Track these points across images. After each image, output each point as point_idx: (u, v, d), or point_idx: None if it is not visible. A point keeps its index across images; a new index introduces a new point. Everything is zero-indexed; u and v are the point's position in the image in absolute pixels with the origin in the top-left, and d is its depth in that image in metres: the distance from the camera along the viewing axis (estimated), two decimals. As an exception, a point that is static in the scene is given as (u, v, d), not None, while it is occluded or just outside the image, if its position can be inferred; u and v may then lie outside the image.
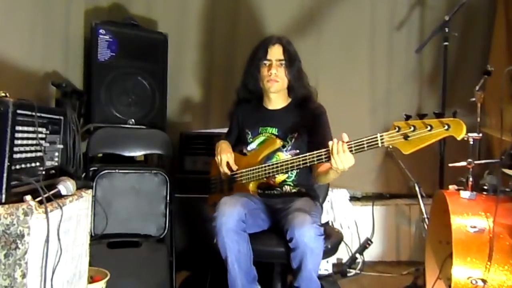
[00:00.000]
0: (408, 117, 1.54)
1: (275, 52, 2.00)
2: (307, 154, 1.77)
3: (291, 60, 2.01)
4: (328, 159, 1.68)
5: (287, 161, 1.84)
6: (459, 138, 1.47)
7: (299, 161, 1.79)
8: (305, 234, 1.66)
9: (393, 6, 3.23)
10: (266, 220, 1.95)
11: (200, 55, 3.16)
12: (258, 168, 1.94)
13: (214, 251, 1.80)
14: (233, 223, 1.71)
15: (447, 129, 1.46)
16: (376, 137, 1.58)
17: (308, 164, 1.77)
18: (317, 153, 1.73)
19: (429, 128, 1.48)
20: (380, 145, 1.57)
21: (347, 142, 1.63)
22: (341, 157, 1.62)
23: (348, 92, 3.19)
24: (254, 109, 2.13)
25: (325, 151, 1.70)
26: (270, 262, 1.96)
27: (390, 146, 1.60)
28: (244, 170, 2.00)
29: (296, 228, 1.67)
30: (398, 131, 1.53)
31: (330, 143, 1.65)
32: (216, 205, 1.79)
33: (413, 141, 1.51)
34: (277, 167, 1.87)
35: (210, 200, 2.20)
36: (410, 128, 1.50)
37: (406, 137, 1.51)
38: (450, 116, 1.52)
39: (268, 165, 1.91)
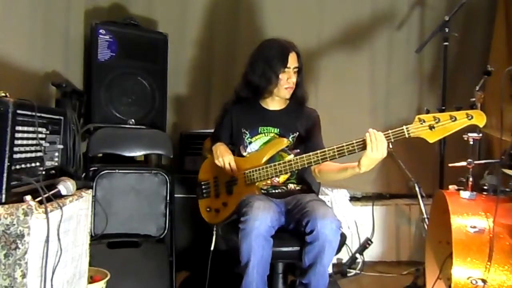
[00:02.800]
0: (427, 111, 1.69)
1: (293, 60, 2.01)
2: (333, 147, 1.78)
3: (302, 67, 2.06)
4: (350, 153, 1.74)
5: (304, 157, 1.84)
6: (481, 126, 1.67)
7: (323, 155, 1.80)
8: (327, 226, 1.67)
9: (393, 6, 3.23)
10: (280, 222, 1.93)
11: (200, 55, 3.16)
12: (267, 167, 1.93)
13: (212, 252, 1.79)
14: (264, 228, 1.70)
15: (470, 119, 1.64)
16: (402, 129, 1.69)
17: (336, 157, 1.78)
18: (347, 144, 1.75)
19: (453, 119, 1.63)
20: (406, 135, 1.68)
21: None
22: (378, 142, 1.68)
23: (348, 92, 3.19)
24: (251, 109, 2.12)
25: (361, 140, 1.72)
26: (271, 262, 1.96)
27: (390, 146, 1.67)
28: (247, 171, 1.98)
29: (318, 220, 1.68)
30: (422, 123, 1.66)
31: (370, 130, 1.70)
32: (246, 207, 1.78)
33: (438, 130, 1.66)
34: (290, 164, 1.87)
35: (203, 205, 2.16)
36: (435, 120, 1.64)
37: (431, 127, 1.65)
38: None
39: (279, 164, 1.90)
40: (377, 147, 1.68)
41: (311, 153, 1.83)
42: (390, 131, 1.70)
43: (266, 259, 1.74)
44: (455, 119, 1.63)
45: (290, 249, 1.79)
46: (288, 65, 1.99)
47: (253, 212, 1.72)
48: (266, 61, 2.01)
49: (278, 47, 2.03)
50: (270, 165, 1.93)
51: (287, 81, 2.01)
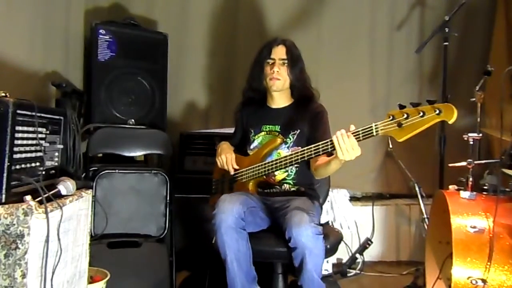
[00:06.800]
0: (402, 107, 1.58)
1: (279, 52, 2.04)
2: (311, 146, 1.77)
3: (294, 60, 2.05)
4: (332, 148, 1.69)
5: (287, 156, 1.86)
6: (450, 122, 1.49)
7: (302, 154, 1.79)
8: (303, 234, 1.66)
9: (393, 6, 3.23)
10: (265, 219, 1.96)
11: (200, 55, 3.16)
12: (258, 166, 1.96)
13: (213, 251, 1.80)
14: (232, 220, 1.72)
15: (438, 114, 1.49)
16: (371, 127, 1.62)
17: (312, 156, 1.77)
18: (322, 144, 1.73)
19: (421, 114, 1.52)
20: (375, 133, 1.61)
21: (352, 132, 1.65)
22: (347, 146, 1.63)
23: (348, 92, 3.19)
24: (258, 109, 2.16)
25: (330, 141, 1.70)
26: (271, 262, 1.96)
27: (390, 147, 1.63)
28: (244, 169, 2.02)
29: (293, 228, 1.68)
30: (392, 120, 1.57)
31: (337, 133, 1.65)
32: (216, 203, 1.80)
33: (406, 128, 1.54)
34: (277, 163, 1.89)
35: (211, 201, 2.20)
36: (403, 115, 1.55)
37: (399, 124, 1.55)
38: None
39: (268, 162, 1.92)
40: (347, 150, 1.63)
41: (293, 152, 1.85)
42: (360, 129, 1.64)
43: (244, 253, 1.75)
44: (423, 114, 1.51)
45: (284, 249, 1.76)
46: (271, 56, 2.04)
47: (219, 206, 1.76)
48: (256, 59, 2.10)
49: (265, 43, 2.10)
50: (261, 163, 1.95)
51: (270, 71, 2.04)
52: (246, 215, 1.77)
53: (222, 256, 1.75)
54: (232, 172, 2.04)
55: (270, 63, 2.05)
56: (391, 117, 1.58)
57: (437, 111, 1.49)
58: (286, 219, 1.76)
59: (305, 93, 2.10)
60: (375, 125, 1.61)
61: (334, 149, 1.67)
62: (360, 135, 1.64)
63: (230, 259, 1.74)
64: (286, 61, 2.04)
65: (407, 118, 1.54)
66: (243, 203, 1.79)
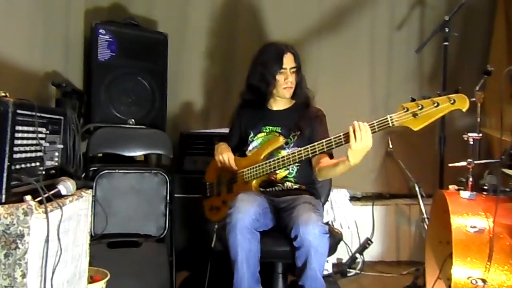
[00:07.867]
0: (413, 100, 1.65)
1: (288, 61, 2.07)
2: (323, 140, 1.79)
3: (299, 66, 2.10)
4: (337, 145, 1.73)
5: (295, 152, 1.87)
6: (464, 110, 1.60)
7: (313, 148, 1.81)
8: (310, 232, 1.66)
9: (393, 6, 3.23)
10: (272, 219, 1.95)
11: (200, 55, 3.16)
12: (262, 165, 1.95)
13: (212, 250, 1.80)
14: (248, 221, 1.72)
15: (453, 103, 1.60)
16: (386, 118, 1.68)
17: (325, 150, 1.79)
18: (335, 137, 1.76)
19: (436, 104, 1.61)
20: (390, 124, 1.67)
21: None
22: (362, 132, 1.67)
23: (348, 92, 3.19)
24: (257, 111, 2.17)
25: (342, 134, 1.74)
26: (271, 261, 1.96)
27: (390, 147, 1.64)
28: (245, 169, 2.01)
29: (301, 226, 1.68)
30: (406, 111, 1.64)
31: (354, 122, 1.70)
32: (232, 201, 1.80)
33: (421, 117, 1.63)
34: (285, 159, 1.89)
35: (207, 204, 2.20)
36: (418, 107, 1.62)
37: (414, 115, 1.63)
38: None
39: (276, 159, 1.92)
40: (361, 137, 1.67)
41: (302, 148, 1.86)
42: (375, 121, 1.70)
43: (254, 253, 1.75)
44: (438, 105, 1.61)
45: (286, 249, 1.78)
46: (283, 66, 2.05)
47: (236, 205, 1.75)
48: (263, 65, 2.08)
49: (273, 50, 2.10)
50: (264, 162, 1.96)
51: (284, 81, 2.07)
52: (260, 216, 1.78)
53: (232, 256, 1.74)
54: (235, 169, 2.04)
55: (283, 73, 2.06)
56: (405, 109, 1.64)
57: (452, 101, 1.59)
58: (292, 217, 1.76)
59: (305, 95, 2.14)
60: (390, 116, 1.67)
61: (346, 142, 1.70)
62: (375, 126, 1.69)
63: (241, 259, 1.73)
64: (295, 69, 2.08)
65: (422, 108, 1.62)
66: (260, 204, 1.81)
